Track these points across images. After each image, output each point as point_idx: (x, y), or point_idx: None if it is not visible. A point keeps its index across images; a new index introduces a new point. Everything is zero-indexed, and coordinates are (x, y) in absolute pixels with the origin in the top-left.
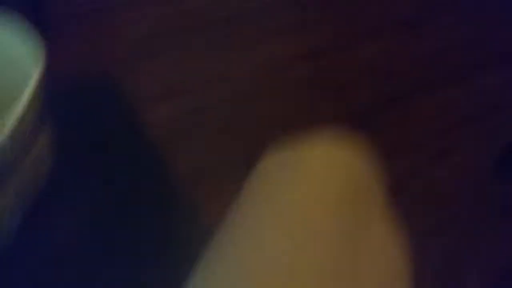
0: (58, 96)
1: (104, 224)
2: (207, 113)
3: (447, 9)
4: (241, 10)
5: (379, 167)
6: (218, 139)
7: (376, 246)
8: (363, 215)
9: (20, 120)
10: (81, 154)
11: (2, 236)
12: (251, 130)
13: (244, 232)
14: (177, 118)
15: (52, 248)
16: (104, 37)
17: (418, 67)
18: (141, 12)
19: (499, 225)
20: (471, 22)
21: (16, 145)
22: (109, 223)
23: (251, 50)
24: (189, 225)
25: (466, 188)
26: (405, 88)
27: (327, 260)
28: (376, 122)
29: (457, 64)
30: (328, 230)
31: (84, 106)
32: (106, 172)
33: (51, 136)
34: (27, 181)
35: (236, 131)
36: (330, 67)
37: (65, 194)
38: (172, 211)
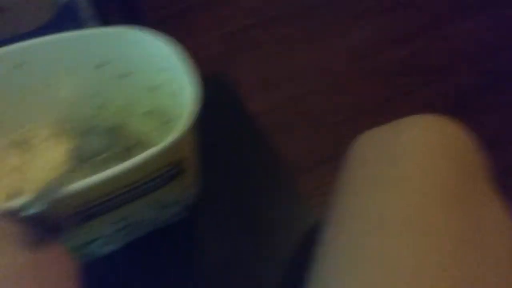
0: None
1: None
2: (305, 101)
3: None
4: None
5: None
6: (316, 126)
7: (493, 219)
8: (475, 190)
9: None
10: None
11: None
12: (347, 117)
13: (356, 216)
14: (275, 108)
15: None
16: (199, 33)
17: None
18: (234, 6)
19: None
20: None
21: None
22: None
23: (344, 36)
24: (293, 213)
25: None
26: (508, 69)
27: (453, 245)
28: (475, 109)
29: None
30: (447, 209)
31: None
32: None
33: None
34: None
35: (333, 118)
36: (425, 50)
37: None
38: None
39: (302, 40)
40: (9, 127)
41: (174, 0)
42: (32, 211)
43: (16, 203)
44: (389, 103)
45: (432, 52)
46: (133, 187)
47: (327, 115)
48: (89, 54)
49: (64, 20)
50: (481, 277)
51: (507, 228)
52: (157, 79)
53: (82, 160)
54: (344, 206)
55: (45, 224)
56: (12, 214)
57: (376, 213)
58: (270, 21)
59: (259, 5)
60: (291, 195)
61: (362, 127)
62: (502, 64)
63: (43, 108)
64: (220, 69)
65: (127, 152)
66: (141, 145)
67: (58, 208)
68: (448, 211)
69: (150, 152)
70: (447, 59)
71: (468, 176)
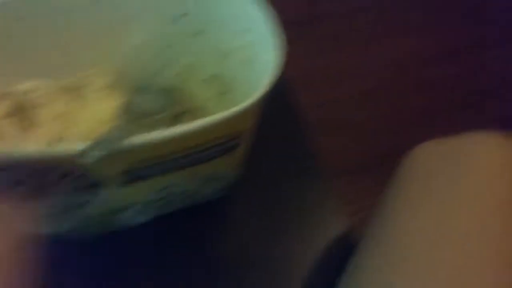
0: None
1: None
2: (338, 106)
3: None
4: (380, 2)
5: None
6: (347, 134)
7: None
8: None
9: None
10: None
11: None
12: (382, 128)
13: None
14: (309, 109)
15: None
16: None
17: None
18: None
19: None
20: None
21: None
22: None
23: (390, 44)
24: (325, 215)
25: None
26: None
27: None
28: None
29: None
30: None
31: None
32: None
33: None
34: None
35: (366, 127)
36: (472, 69)
37: None
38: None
39: (343, 41)
40: (64, 70)
41: None
42: (90, 158)
43: (73, 148)
44: (430, 120)
45: (478, 74)
46: (188, 153)
47: (367, 122)
48: (168, 5)
49: None
50: None
51: None
52: (233, 42)
53: (132, 118)
54: (399, 218)
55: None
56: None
57: (444, 226)
58: (316, 18)
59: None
60: (325, 196)
61: (401, 139)
62: None
63: (104, 55)
64: None
65: (178, 118)
66: (193, 113)
67: (105, 165)
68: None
69: (221, 116)
70: (492, 83)
71: None
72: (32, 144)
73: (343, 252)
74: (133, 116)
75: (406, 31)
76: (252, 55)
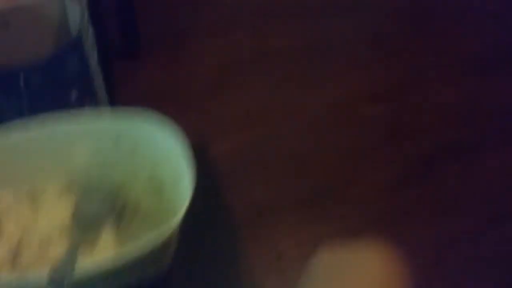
0: None
1: None
2: (276, 143)
3: None
4: (323, 41)
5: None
6: (283, 170)
7: None
8: None
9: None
10: None
11: None
12: (315, 164)
13: None
14: (247, 146)
15: None
16: (180, 66)
17: (495, 119)
18: (220, 41)
19: None
20: None
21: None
22: None
23: (327, 84)
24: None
25: None
26: (474, 140)
27: None
28: (436, 174)
29: None
30: None
31: None
32: None
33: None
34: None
35: (302, 164)
36: (403, 109)
37: None
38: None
39: (282, 81)
40: (25, 178)
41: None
42: None
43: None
44: (358, 158)
45: (408, 112)
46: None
47: (296, 159)
48: (106, 130)
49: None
50: None
51: None
52: (158, 169)
53: (82, 224)
54: None
55: None
56: None
57: None
58: (262, 55)
59: (245, 42)
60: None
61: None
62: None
63: (58, 166)
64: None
65: (120, 213)
66: (134, 208)
67: None
68: None
69: (150, 244)
70: (420, 121)
71: None
72: None
73: None
74: (83, 222)
75: (349, 70)
76: (174, 176)
